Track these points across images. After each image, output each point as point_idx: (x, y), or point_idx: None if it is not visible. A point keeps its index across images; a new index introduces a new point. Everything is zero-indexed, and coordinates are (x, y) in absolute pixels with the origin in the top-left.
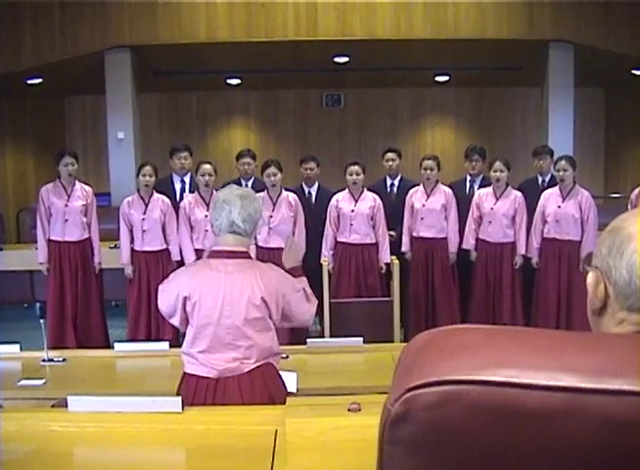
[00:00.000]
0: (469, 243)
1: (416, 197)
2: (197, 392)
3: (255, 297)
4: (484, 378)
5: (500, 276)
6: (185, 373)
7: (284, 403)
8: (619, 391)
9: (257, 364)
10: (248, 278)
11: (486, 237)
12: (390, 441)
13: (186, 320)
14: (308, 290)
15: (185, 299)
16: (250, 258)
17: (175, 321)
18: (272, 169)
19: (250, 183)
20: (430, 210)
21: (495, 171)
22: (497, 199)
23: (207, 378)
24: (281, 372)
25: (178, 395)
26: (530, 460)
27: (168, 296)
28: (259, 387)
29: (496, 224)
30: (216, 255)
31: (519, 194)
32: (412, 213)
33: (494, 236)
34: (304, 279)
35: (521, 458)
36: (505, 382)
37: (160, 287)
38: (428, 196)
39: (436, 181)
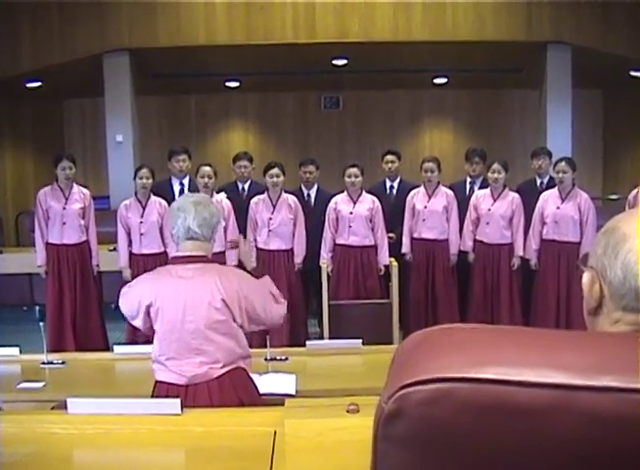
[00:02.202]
0: (466, 244)
1: (417, 198)
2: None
3: (216, 299)
4: (474, 375)
5: (498, 277)
6: (156, 381)
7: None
8: (608, 387)
9: (227, 369)
10: (208, 281)
11: (484, 238)
12: (384, 438)
13: (151, 327)
14: (275, 290)
15: (148, 307)
16: (210, 261)
17: (138, 323)
18: (275, 170)
19: (246, 186)
20: (432, 211)
21: (493, 173)
22: (494, 200)
23: (177, 385)
24: (280, 374)
25: None
26: (521, 456)
27: (130, 300)
28: (229, 392)
29: (493, 226)
30: (176, 261)
31: (516, 195)
32: (413, 215)
33: (491, 237)
34: (268, 280)
35: (511, 454)
36: (494, 379)
37: (122, 290)
38: (429, 197)
39: (437, 183)
